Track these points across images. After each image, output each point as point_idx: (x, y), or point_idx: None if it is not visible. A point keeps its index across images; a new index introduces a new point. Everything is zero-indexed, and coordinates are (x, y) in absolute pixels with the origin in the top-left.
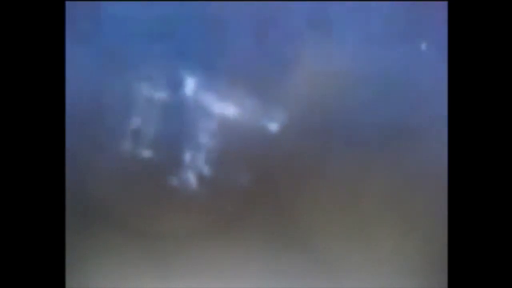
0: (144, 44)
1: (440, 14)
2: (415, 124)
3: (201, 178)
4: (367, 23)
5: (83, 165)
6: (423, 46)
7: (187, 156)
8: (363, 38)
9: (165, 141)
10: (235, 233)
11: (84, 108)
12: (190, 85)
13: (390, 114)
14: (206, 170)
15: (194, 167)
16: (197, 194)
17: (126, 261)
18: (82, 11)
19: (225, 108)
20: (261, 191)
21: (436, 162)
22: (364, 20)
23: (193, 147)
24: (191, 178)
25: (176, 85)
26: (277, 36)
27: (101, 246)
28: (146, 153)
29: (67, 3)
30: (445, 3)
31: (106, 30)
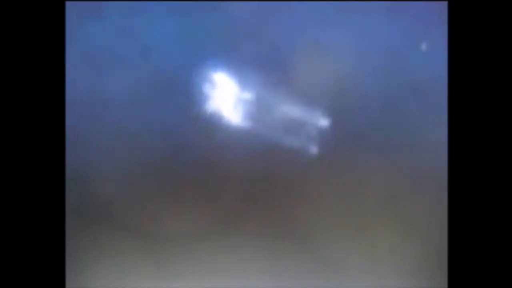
0: (143, 42)
1: (440, 14)
2: (415, 124)
3: (202, 177)
4: (366, 23)
5: (83, 165)
6: (423, 46)
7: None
8: (363, 38)
9: (165, 140)
10: (235, 234)
11: (84, 106)
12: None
13: (390, 113)
14: (206, 169)
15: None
16: (198, 194)
17: (126, 262)
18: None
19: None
20: (261, 192)
21: (436, 162)
22: (364, 20)
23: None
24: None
25: (177, 84)
26: (276, 36)
27: (102, 246)
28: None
29: (67, 3)
30: (445, 3)
31: (107, 28)
